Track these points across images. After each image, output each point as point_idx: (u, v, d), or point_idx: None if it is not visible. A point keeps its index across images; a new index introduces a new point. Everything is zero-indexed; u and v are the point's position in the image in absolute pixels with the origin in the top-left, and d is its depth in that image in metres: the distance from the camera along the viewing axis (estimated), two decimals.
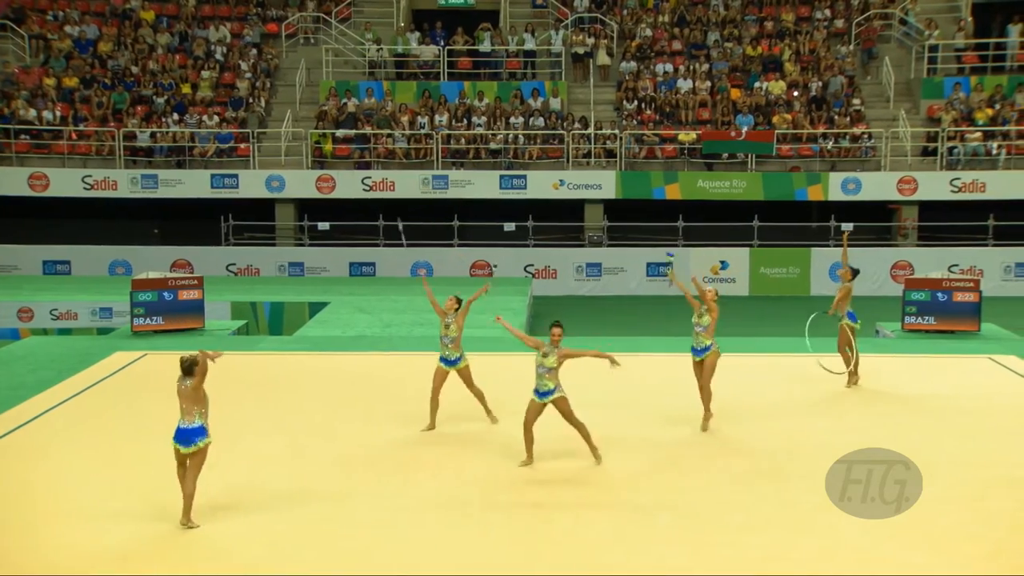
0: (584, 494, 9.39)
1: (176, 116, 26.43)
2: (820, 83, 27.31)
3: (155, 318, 16.80)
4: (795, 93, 27.13)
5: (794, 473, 9.93)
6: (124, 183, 25.26)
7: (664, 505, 9.10)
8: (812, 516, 8.78)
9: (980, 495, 9.38)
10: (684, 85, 27.36)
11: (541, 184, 25.42)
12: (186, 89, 27.40)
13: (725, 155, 25.86)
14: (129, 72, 27.66)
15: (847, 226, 25.30)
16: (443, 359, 11.27)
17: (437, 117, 26.49)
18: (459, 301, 11.28)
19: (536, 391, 9.91)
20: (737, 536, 8.41)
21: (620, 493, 9.46)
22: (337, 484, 9.63)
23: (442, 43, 28.30)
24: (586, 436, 10.08)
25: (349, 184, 25.40)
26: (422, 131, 26.22)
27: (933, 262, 23.50)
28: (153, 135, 25.97)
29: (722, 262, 25.11)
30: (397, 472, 10.00)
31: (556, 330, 9.78)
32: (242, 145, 25.92)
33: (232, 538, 8.44)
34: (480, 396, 11.50)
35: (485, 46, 28.27)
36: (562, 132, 26.06)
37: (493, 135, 26.13)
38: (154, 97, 26.98)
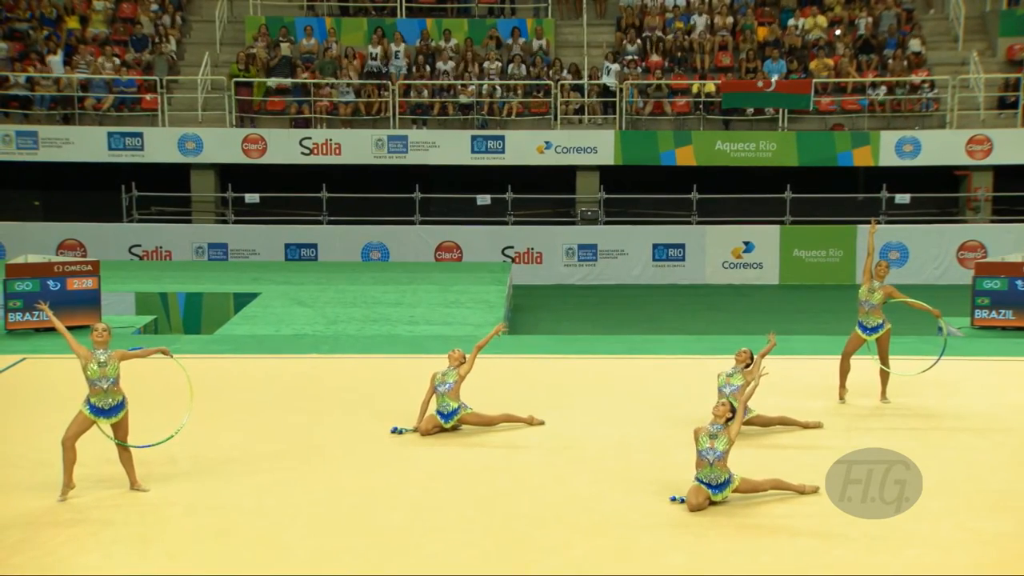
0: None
1: (61, 57, 26.13)
2: (869, 19, 27.34)
3: (36, 313, 16.67)
4: (838, 32, 27.16)
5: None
6: None
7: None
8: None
9: None
10: (700, 22, 27.34)
11: (523, 147, 25.37)
12: (73, 23, 27.14)
13: (750, 110, 25.88)
14: None
15: (903, 198, 25.35)
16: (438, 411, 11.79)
17: (393, 63, 26.36)
18: (463, 356, 11.79)
19: (861, 325, 12.55)
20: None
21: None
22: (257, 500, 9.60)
23: None
24: (884, 379, 12.72)
25: (284, 146, 25.29)
26: (374, 81, 26.08)
27: (1011, 242, 23.57)
28: (31, 81, 25.69)
29: (746, 243, 25.14)
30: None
31: (884, 264, 12.59)
32: (148, 96, 25.70)
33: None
34: (507, 419, 12.01)
35: None
36: (549, 82, 25.99)
37: (463, 86, 26.03)
38: (31, 32, 26.69)
